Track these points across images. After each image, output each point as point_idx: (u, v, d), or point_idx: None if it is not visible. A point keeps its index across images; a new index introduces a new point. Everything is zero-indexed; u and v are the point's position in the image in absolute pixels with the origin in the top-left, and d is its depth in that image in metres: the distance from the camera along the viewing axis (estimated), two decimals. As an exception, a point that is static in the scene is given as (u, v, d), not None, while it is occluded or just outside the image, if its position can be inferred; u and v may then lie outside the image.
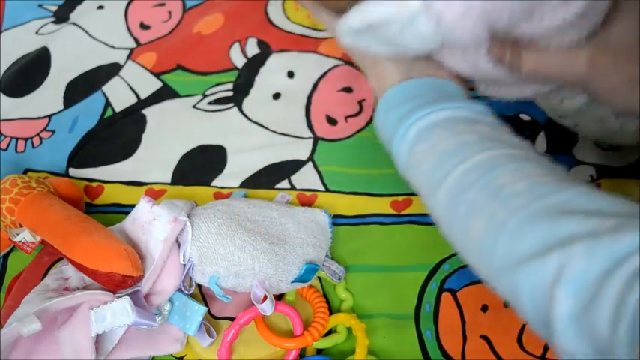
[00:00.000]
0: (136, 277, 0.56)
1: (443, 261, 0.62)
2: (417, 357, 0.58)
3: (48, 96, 0.83)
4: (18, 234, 0.60)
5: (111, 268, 0.55)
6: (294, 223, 0.62)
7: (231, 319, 0.60)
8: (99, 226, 0.61)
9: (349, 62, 0.78)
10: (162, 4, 0.90)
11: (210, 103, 0.79)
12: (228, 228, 0.58)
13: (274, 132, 0.75)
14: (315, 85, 0.78)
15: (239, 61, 0.82)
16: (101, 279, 0.56)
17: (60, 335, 0.55)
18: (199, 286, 0.63)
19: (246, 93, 0.79)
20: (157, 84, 0.81)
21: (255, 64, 0.81)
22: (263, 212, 0.62)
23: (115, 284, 0.56)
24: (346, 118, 0.74)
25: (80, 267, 0.57)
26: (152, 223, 0.59)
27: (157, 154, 0.75)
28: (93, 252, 0.56)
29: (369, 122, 0.73)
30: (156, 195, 0.71)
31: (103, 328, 0.53)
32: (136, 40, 0.87)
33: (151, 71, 0.83)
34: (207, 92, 0.80)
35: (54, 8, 0.93)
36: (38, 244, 0.61)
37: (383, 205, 0.67)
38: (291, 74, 0.79)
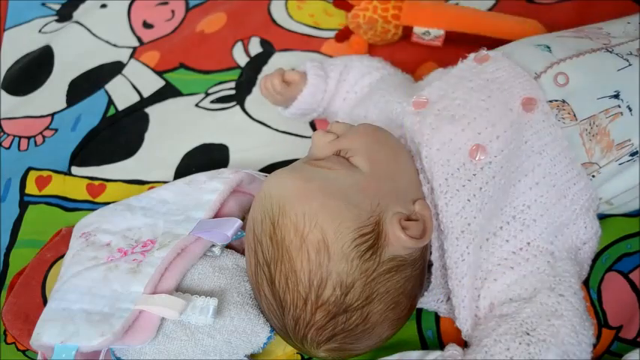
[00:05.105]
0: None
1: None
2: (418, 356, 0.57)
3: (51, 94, 0.83)
4: (424, 32, 0.71)
5: None
6: None
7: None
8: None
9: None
10: (166, 3, 0.90)
11: (212, 101, 0.79)
12: None
13: (276, 130, 0.75)
14: (317, 84, 0.77)
15: (242, 59, 0.82)
16: None
17: None
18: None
19: (248, 91, 0.79)
20: (159, 82, 0.82)
21: (258, 63, 0.81)
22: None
23: None
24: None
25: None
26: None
27: (160, 152, 0.75)
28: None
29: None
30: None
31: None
32: (139, 39, 0.87)
33: (153, 70, 0.83)
34: (210, 91, 0.80)
35: (57, 7, 0.94)
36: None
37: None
38: (293, 73, 0.79)
